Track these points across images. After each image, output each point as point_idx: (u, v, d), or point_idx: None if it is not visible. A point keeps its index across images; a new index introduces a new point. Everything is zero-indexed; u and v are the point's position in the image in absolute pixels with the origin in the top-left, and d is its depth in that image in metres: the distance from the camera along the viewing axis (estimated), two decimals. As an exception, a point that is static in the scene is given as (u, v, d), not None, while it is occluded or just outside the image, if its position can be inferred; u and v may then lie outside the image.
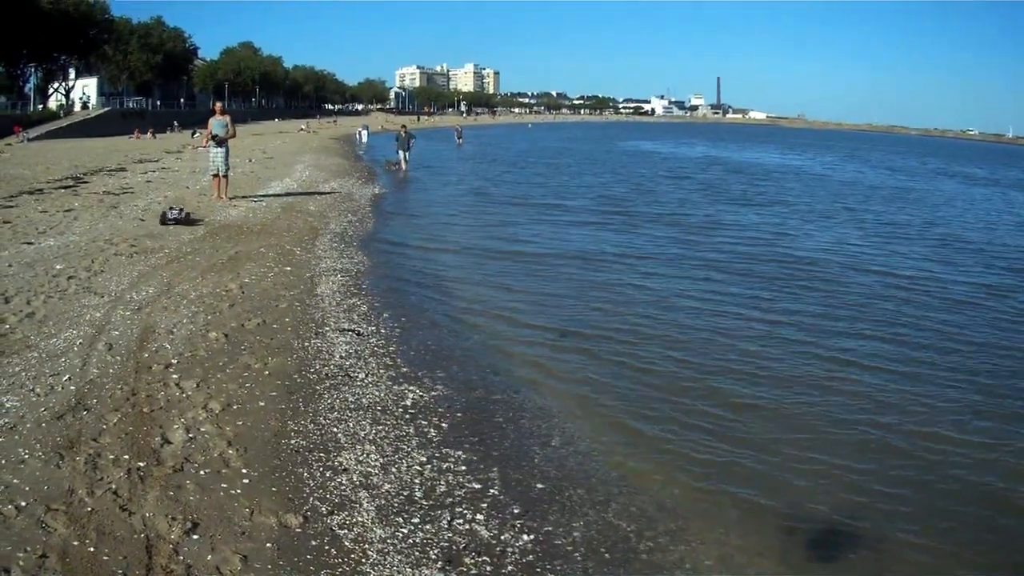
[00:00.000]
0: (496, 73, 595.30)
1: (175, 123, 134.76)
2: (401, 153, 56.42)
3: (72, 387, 11.39)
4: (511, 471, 10.13)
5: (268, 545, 7.90)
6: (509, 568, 7.93)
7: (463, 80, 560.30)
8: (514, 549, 8.25)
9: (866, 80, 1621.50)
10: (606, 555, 8.36)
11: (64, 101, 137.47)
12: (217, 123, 32.72)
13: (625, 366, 14.80)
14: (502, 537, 8.43)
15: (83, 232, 24.02)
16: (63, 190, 36.28)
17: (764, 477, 10.57)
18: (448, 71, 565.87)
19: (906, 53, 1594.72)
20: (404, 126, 58.96)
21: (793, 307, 19.42)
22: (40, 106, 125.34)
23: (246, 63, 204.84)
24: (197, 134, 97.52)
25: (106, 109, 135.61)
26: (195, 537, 7.88)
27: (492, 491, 9.49)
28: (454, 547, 8.15)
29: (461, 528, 8.53)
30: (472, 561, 7.95)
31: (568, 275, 22.37)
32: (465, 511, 8.90)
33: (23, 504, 8.05)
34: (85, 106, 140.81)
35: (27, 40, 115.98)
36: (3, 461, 8.91)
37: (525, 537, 8.47)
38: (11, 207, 29.47)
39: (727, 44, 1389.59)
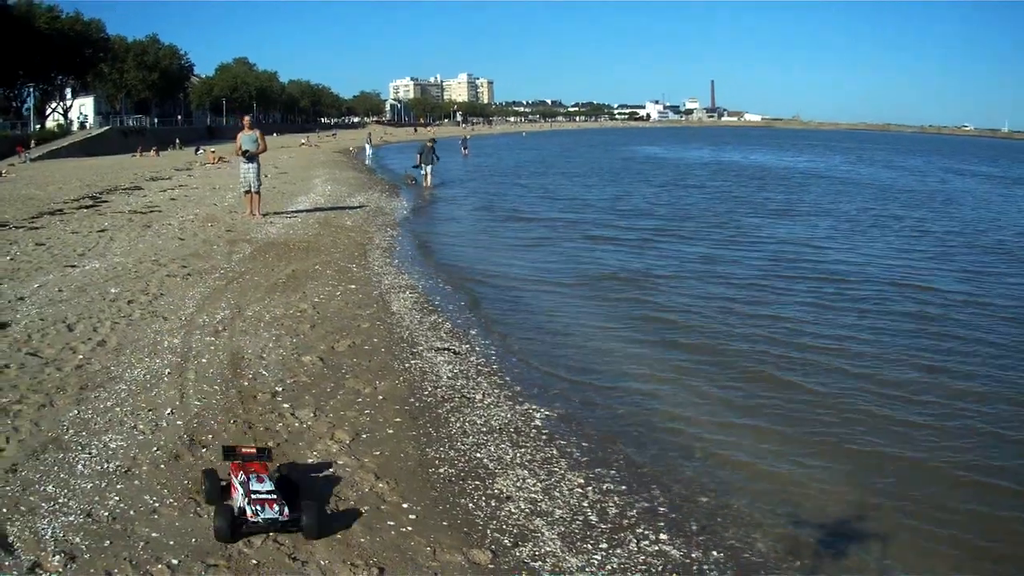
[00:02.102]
0: (490, 82, 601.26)
1: (177, 140, 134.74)
2: (425, 167, 54.69)
3: (179, 422, 10.80)
4: (671, 487, 9.95)
5: None
6: (713, 586, 7.53)
7: (457, 90, 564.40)
8: (709, 566, 8.07)
9: (859, 79, 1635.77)
10: (796, 563, 8.27)
11: (63, 121, 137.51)
12: (247, 138, 31.74)
13: (735, 371, 14.72)
14: (693, 555, 8.24)
15: (124, 253, 23.45)
16: (85, 210, 35.55)
17: (920, 477, 10.70)
18: (442, 81, 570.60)
19: (899, 51, 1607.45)
20: (433, 139, 56.65)
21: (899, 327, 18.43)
22: (38, 126, 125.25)
23: (242, 79, 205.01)
24: (201, 151, 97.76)
25: (106, 128, 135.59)
26: None
27: (662, 509, 9.26)
28: (652, 570, 7.90)
29: (651, 550, 8.28)
30: None
31: (634, 292, 21.74)
32: (647, 531, 8.65)
33: (175, 562, 7.42)
34: (83, 125, 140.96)
35: (24, 61, 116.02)
36: (131, 512, 8.26)
37: (714, 553, 8.29)
38: (38, 228, 28.91)
39: (720, 48, 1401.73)
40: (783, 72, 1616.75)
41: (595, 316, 18.79)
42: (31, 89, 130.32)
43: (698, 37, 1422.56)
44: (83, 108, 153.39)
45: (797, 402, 13.10)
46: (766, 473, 10.52)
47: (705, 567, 8.01)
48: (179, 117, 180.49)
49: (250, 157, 31.48)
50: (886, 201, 50.46)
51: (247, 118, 33.98)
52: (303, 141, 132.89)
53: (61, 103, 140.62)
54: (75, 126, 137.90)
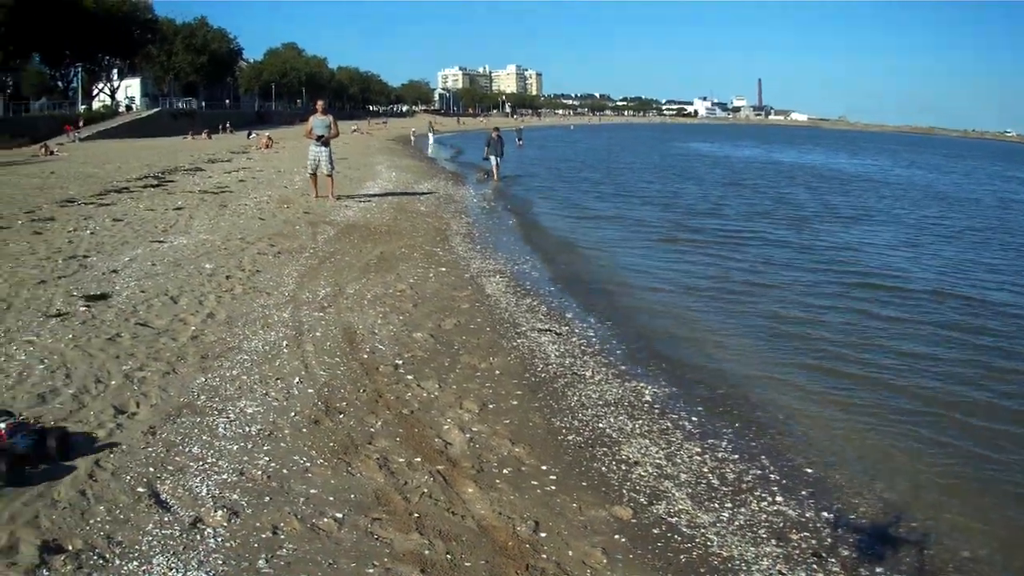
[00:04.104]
0: (539, 74, 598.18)
1: (228, 123, 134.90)
2: (492, 159, 53.02)
3: (310, 390, 11.27)
4: (778, 458, 10.56)
5: (616, 537, 8.04)
6: (828, 541, 8.39)
7: (505, 81, 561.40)
8: (822, 524, 8.75)
9: (904, 81, 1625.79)
10: (894, 524, 9.00)
11: (109, 102, 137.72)
12: (319, 122, 32.24)
13: (827, 363, 15.13)
14: (807, 515, 8.91)
15: (208, 231, 24.00)
16: (151, 188, 36.21)
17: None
18: (490, 72, 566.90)
19: (943, 54, 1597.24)
20: (497, 128, 55.70)
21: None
22: (84, 107, 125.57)
23: (291, 64, 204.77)
24: (253, 135, 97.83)
25: (156, 110, 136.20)
26: (543, 535, 7.93)
27: (773, 476, 9.91)
28: (774, 526, 8.58)
29: (770, 509, 8.97)
30: (797, 536, 8.40)
31: (721, 290, 21.78)
32: (764, 494, 9.32)
33: (339, 516, 7.86)
34: (129, 107, 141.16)
35: (71, 41, 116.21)
36: (284, 471, 8.70)
37: (824, 514, 8.96)
38: (108, 204, 29.56)
39: (767, 46, 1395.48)
40: (829, 72, 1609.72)
41: (685, 309, 19.15)
42: (77, 69, 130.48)
43: (746, 35, 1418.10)
44: (129, 90, 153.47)
45: (887, 389, 13.66)
46: (861, 448, 11.25)
47: (819, 525, 8.71)
48: (227, 101, 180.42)
49: (325, 141, 32.06)
50: (952, 209, 48.56)
51: (320, 103, 33.95)
52: (355, 128, 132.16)
53: (108, 84, 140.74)
54: (121, 107, 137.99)
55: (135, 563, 6.91)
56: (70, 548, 7.05)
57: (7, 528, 7.26)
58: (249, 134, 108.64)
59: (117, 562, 6.91)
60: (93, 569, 6.81)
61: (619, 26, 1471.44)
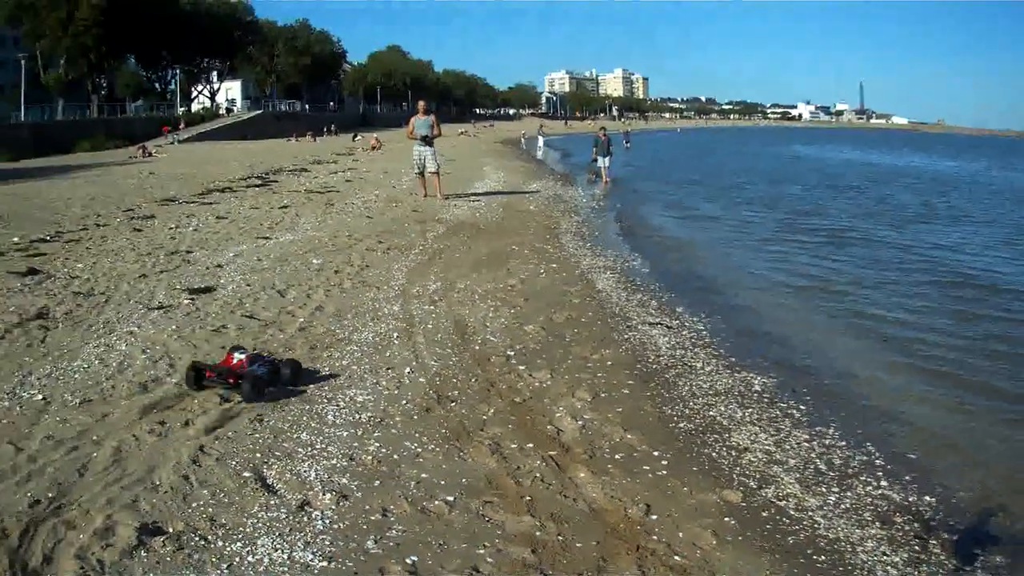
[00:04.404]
0: (645, 79, 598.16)
1: (332, 126, 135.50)
2: (601, 160, 49.99)
3: (421, 379, 11.37)
4: (883, 444, 10.52)
5: (726, 519, 8.10)
6: (931, 524, 8.40)
7: (612, 85, 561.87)
8: (926, 508, 8.74)
9: (1004, 86, 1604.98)
10: (1001, 515, 8.89)
11: (209, 104, 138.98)
12: (421, 122, 32.46)
13: (932, 363, 14.91)
14: (910, 499, 8.91)
15: (315, 228, 24.33)
16: (256, 188, 36.97)
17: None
18: (597, 76, 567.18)
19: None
20: (604, 128, 53.10)
21: None
22: (183, 109, 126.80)
23: (396, 66, 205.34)
24: (359, 137, 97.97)
25: (258, 111, 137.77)
26: (654, 517, 8.01)
27: (878, 461, 9.89)
28: (879, 509, 8.62)
29: (875, 493, 8.97)
30: (901, 519, 8.40)
31: (821, 287, 21.80)
32: (869, 479, 9.33)
33: (450, 499, 7.92)
34: (229, 110, 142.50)
35: (167, 42, 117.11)
36: (395, 456, 8.78)
37: (927, 498, 8.96)
38: (211, 203, 30.29)
39: (869, 48, 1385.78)
40: (929, 76, 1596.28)
41: (792, 307, 19.21)
42: (175, 71, 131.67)
43: (848, 37, 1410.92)
44: (230, 92, 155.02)
45: (989, 388, 13.51)
46: (963, 440, 11.21)
47: (922, 508, 8.72)
48: (331, 103, 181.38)
49: (429, 141, 32.28)
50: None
51: (422, 103, 33.90)
52: (462, 131, 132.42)
53: (207, 86, 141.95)
54: (222, 110, 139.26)
55: (238, 544, 7.03)
56: (170, 530, 7.19)
57: (104, 511, 7.41)
58: (354, 136, 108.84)
59: (220, 543, 7.03)
60: (194, 550, 6.93)
61: (723, 31, 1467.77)
